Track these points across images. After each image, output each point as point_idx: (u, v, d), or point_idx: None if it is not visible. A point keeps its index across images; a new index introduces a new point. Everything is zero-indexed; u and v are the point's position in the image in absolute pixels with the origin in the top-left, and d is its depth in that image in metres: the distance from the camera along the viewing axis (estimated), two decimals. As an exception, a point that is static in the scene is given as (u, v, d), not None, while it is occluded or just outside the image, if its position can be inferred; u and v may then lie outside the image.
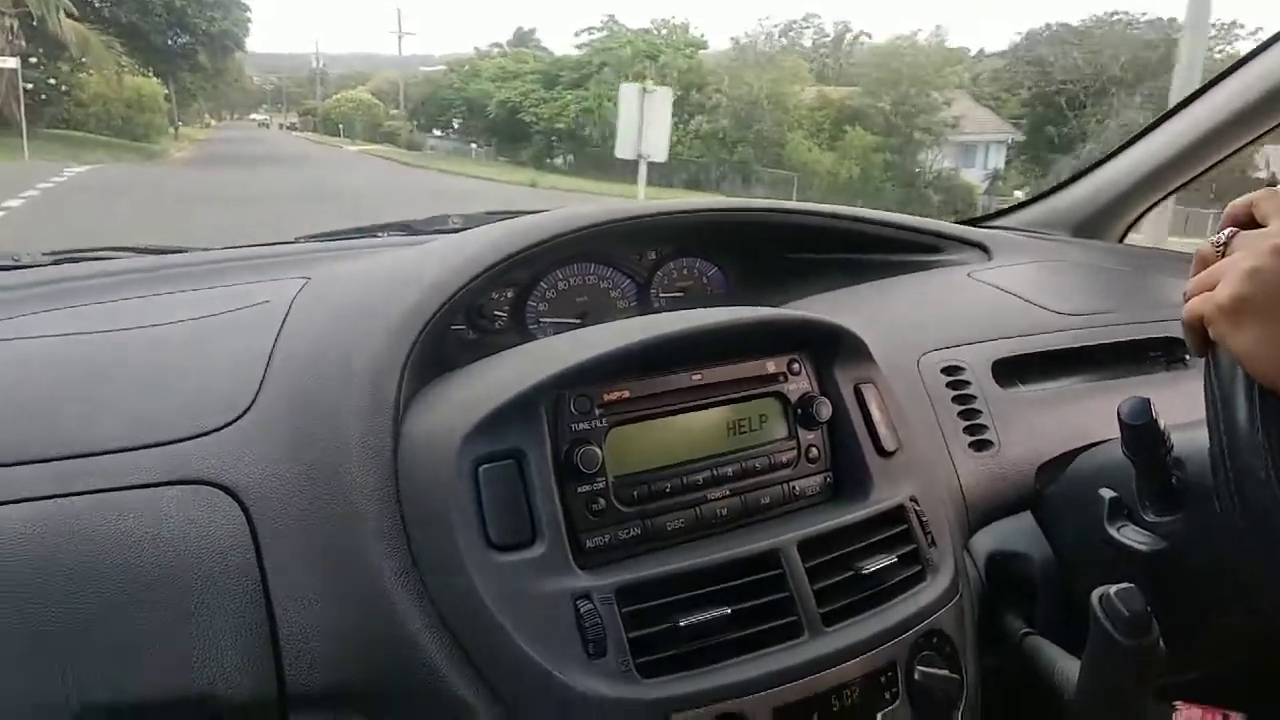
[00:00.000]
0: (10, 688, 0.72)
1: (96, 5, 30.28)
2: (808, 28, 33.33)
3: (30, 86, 24.02)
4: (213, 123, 70.22)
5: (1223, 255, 0.74)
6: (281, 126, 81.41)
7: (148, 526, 0.78)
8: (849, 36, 37.20)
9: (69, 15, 22.69)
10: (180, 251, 1.29)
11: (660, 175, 26.59)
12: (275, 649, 0.77)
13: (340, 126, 57.30)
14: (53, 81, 26.11)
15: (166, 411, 0.86)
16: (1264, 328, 0.69)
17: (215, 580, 0.77)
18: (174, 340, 0.99)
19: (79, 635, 0.74)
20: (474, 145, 40.26)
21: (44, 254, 1.26)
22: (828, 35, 35.89)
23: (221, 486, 0.81)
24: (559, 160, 34.85)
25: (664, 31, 33.59)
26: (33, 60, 24.64)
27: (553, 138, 34.62)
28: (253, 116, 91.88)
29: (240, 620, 0.77)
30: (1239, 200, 0.77)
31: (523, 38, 43.43)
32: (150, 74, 32.00)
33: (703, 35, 34.95)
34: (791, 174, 26.72)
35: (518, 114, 34.40)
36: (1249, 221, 0.76)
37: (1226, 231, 0.76)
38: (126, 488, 0.80)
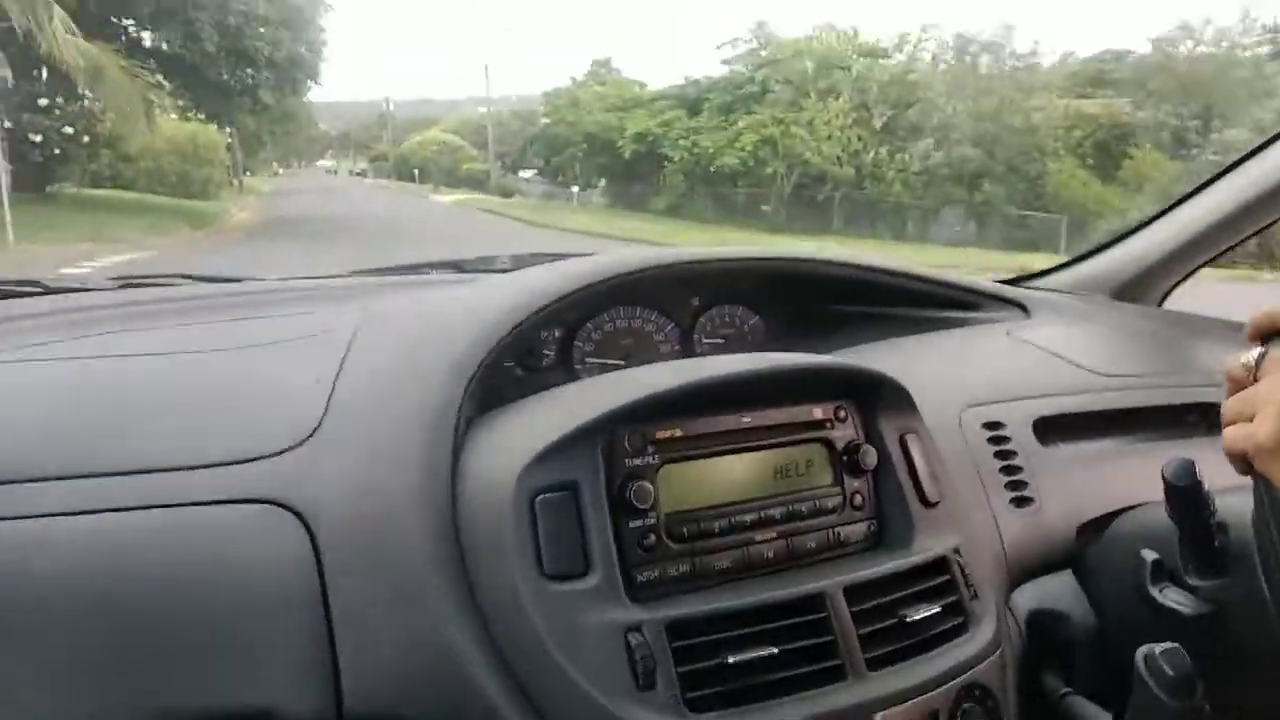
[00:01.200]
0: (68, 701, 0.74)
1: (121, 24, 22.21)
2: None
3: (39, 138, 18.62)
4: (280, 171, 67.39)
5: (1255, 377, 0.74)
6: (351, 173, 77.92)
7: (214, 543, 0.81)
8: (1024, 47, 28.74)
9: (71, 31, 14.41)
10: (238, 280, 1.34)
11: (861, 223, 21.89)
12: (335, 671, 0.79)
13: (416, 172, 52.28)
14: (69, 130, 19.29)
15: (234, 431, 0.89)
16: None
17: (279, 599, 0.80)
18: (239, 363, 1.02)
19: (143, 646, 0.76)
20: (575, 188, 33.63)
21: (109, 279, 1.32)
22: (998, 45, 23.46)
23: (288, 507, 0.83)
24: (764, 208, 24.38)
25: (834, 39, 25.32)
26: (42, 102, 18.66)
27: (696, 177, 25.92)
28: (319, 163, 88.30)
29: (302, 640, 0.79)
30: (1263, 313, 0.76)
31: (599, 69, 36.38)
32: (202, 116, 25.25)
33: (879, 42, 25.24)
34: (1057, 216, 19.34)
35: (659, 148, 26.50)
36: (1275, 333, 0.75)
37: (1256, 352, 0.76)
38: (195, 504, 0.82)
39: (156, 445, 0.87)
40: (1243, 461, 0.74)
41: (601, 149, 29.95)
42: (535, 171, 42.00)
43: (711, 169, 25.20)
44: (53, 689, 0.74)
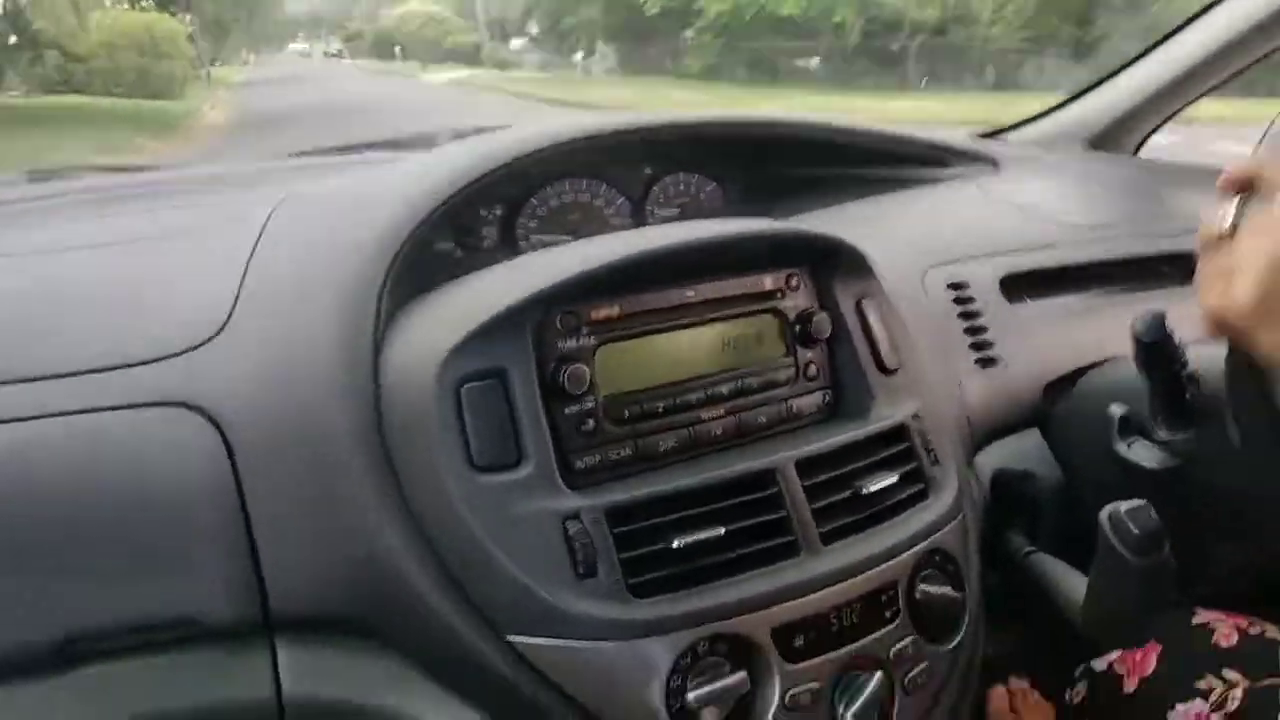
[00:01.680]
0: None
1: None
2: None
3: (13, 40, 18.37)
4: (252, 59, 60.57)
5: (1231, 235, 0.67)
6: (326, 54, 71.20)
7: (122, 449, 0.77)
8: None
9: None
10: (157, 169, 1.28)
11: (944, 78, 16.87)
12: (257, 573, 0.76)
13: (398, 49, 47.83)
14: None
15: (139, 331, 0.84)
16: None
17: (194, 503, 0.76)
18: (145, 258, 0.96)
19: (59, 558, 0.73)
20: (578, 55, 29.79)
21: (25, 172, 1.25)
22: None
23: (196, 407, 0.79)
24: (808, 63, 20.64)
25: None
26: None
27: (734, 32, 21.26)
28: (292, 47, 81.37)
29: (220, 544, 0.76)
30: (1237, 166, 0.69)
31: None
32: (150, 2, 23.60)
33: None
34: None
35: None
36: (1251, 190, 0.68)
37: (1232, 209, 0.68)
38: (98, 409, 0.78)
39: (59, 349, 0.82)
40: (1219, 325, 0.68)
41: (621, 4, 26.04)
42: (526, 39, 39.22)
43: (751, 20, 20.99)
44: None
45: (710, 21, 22.48)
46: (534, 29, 37.88)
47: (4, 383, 0.78)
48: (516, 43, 40.23)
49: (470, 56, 41.72)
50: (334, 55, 69.57)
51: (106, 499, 0.75)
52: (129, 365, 0.81)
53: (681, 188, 1.33)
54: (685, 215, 1.32)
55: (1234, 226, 0.68)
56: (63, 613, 0.73)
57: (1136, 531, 0.78)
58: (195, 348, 0.82)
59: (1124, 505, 0.79)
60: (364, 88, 29.88)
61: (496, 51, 39.27)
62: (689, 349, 0.87)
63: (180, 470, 0.77)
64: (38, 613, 0.72)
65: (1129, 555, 0.78)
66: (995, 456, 1.07)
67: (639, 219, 1.29)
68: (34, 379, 0.79)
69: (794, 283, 0.92)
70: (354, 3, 71.58)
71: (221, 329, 0.84)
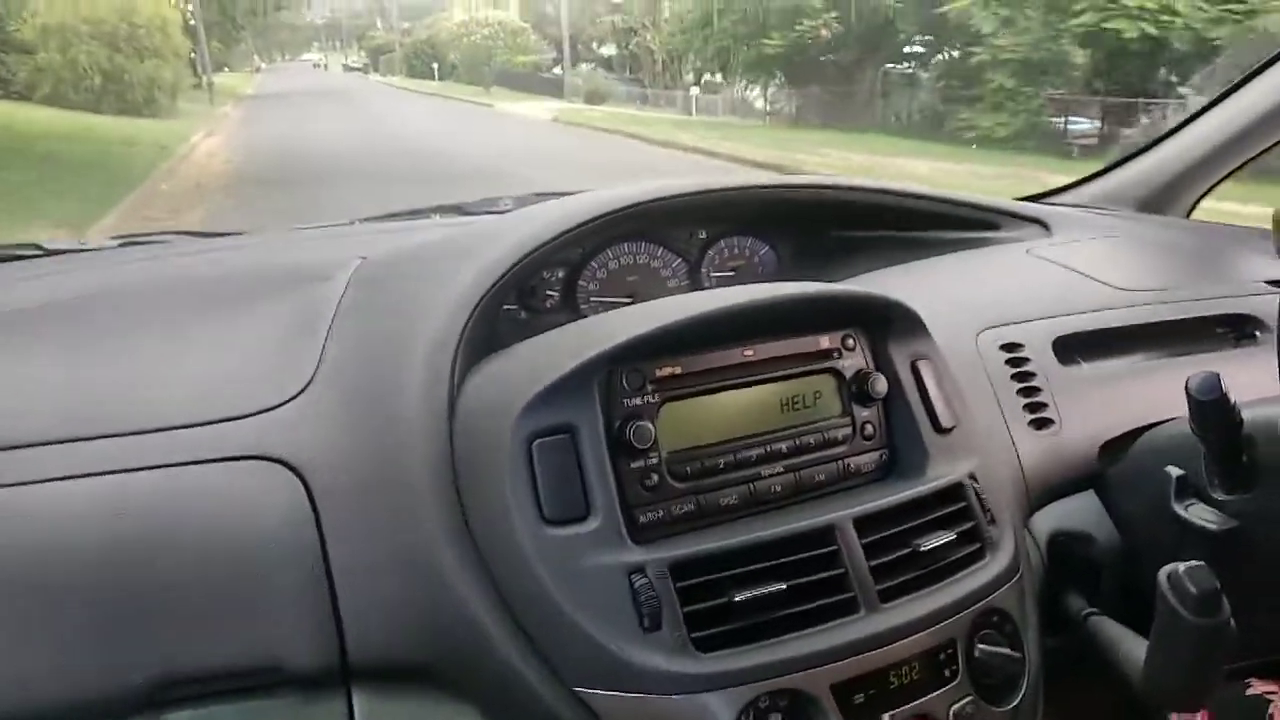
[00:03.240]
0: (80, 660, 0.74)
1: None
2: None
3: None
4: (263, 66, 54.66)
5: None
6: (347, 68, 61.46)
7: (211, 501, 0.80)
8: None
9: None
10: (238, 234, 1.33)
11: None
12: (337, 621, 0.79)
13: (435, 67, 39.40)
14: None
15: (225, 390, 0.88)
16: None
17: (277, 554, 0.79)
18: (232, 320, 1.01)
19: (150, 605, 0.76)
20: (751, 94, 22.05)
21: (110, 238, 1.30)
22: None
23: (282, 461, 0.82)
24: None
25: None
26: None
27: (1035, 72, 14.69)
28: (305, 57, 74.96)
29: (302, 593, 0.79)
30: None
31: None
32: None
33: None
34: None
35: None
36: None
37: None
38: (189, 463, 0.82)
39: (152, 406, 0.86)
40: None
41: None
42: (593, 66, 31.71)
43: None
44: (55, 657, 0.74)
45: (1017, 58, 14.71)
46: (608, 49, 31.34)
47: (104, 437, 0.83)
48: (583, 67, 32.75)
49: (529, 81, 32.56)
50: (356, 69, 59.56)
51: (196, 549, 0.78)
52: (219, 421, 0.85)
53: (736, 250, 1.36)
54: (740, 277, 1.35)
55: None
56: (154, 658, 0.76)
57: (1195, 592, 0.78)
58: (281, 404, 0.87)
59: (1182, 565, 0.80)
60: (420, 119, 21.92)
61: (586, 79, 30.63)
62: (748, 407, 0.89)
63: (266, 522, 0.80)
64: (129, 658, 0.75)
65: (1188, 616, 0.78)
66: (1052, 518, 1.07)
67: (695, 281, 1.33)
68: (131, 433, 0.83)
69: (850, 343, 0.94)
70: (376, 15, 64.96)
71: (306, 386, 0.89)
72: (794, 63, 20.65)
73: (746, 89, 24.06)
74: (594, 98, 28.13)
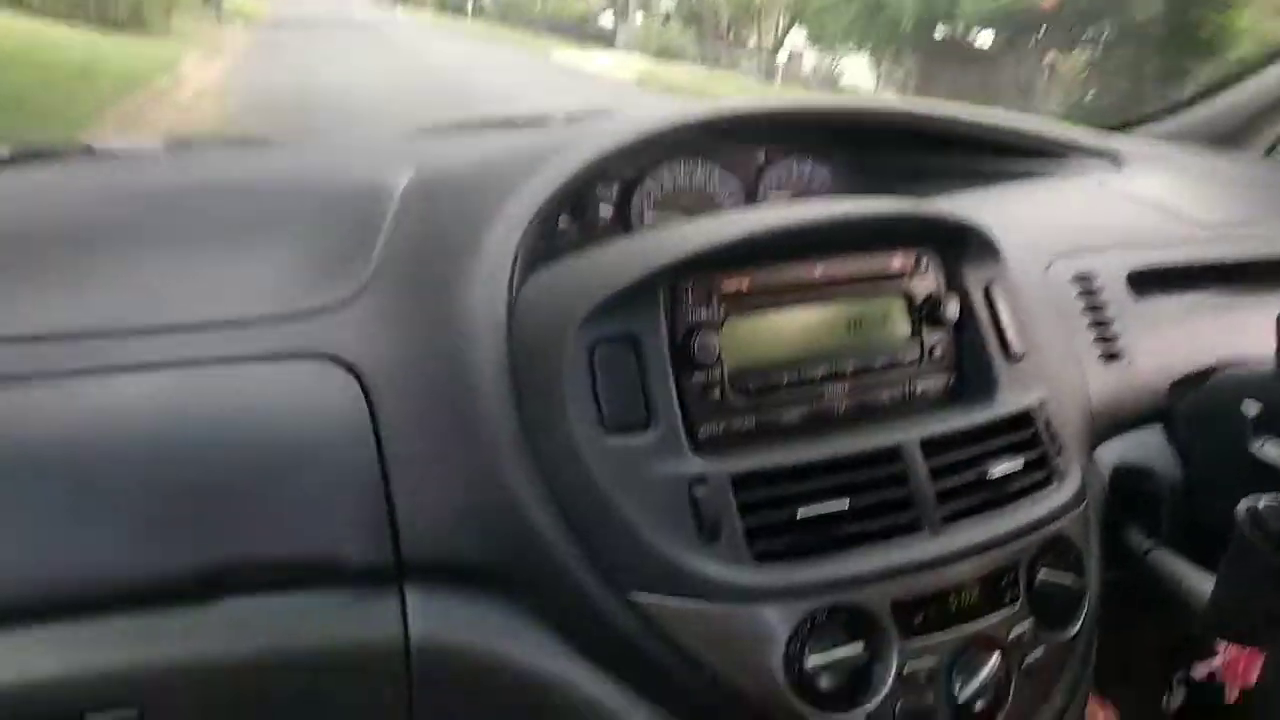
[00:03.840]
0: (136, 545, 0.75)
1: None
2: None
3: None
4: None
5: None
6: None
7: (267, 397, 0.80)
8: None
9: None
10: (293, 143, 1.33)
11: None
12: (391, 518, 0.79)
13: (472, 4, 36.67)
14: None
15: (283, 288, 0.88)
16: None
17: (333, 450, 0.79)
18: (291, 219, 1.00)
19: (206, 495, 0.76)
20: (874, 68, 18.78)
21: (162, 142, 1.30)
22: None
23: (338, 360, 0.82)
24: None
25: None
26: None
27: None
28: None
29: (356, 489, 0.79)
30: None
31: None
32: None
33: None
34: None
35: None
36: None
37: None
38: (246, 359, 0.82)
39: (208, 303, 0.86)
40: None
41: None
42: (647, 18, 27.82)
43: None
44: (115, 544, 0.75)
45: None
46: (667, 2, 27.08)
47: (161, 330, 0.83)
48: (638, 17, 29.09)
49: (576, 31, 29.09)
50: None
51: (251, 443, 0.79)
52: (275, 318, 0.85)
53: (795, 173, 1.32)
54: (797, 200, 1.32)
55: None
56: (209, 547, 0.76)
57: (1275, 527, 0.76)
58: (338, 305, 0.86)
59: (1262, 500, 0.78)
60: (459, 63, 18.30)
61: (633, 29, 27.04)
62: (814, 326, 0.87)
63: (321, 419, 0.80)
64: (185, 544, 0.76)
65: (1271, 551, 0.77)
66: (1117, 451, 1.05)
67: (751, 203, 1.29)
68: (188, 327, 0.83)
69: (923, 264, 0.92)
70: None
71: (365, 287, 0.88)
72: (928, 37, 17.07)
73: (839, 59, 20.91)
74: (664, 55, 23.90)
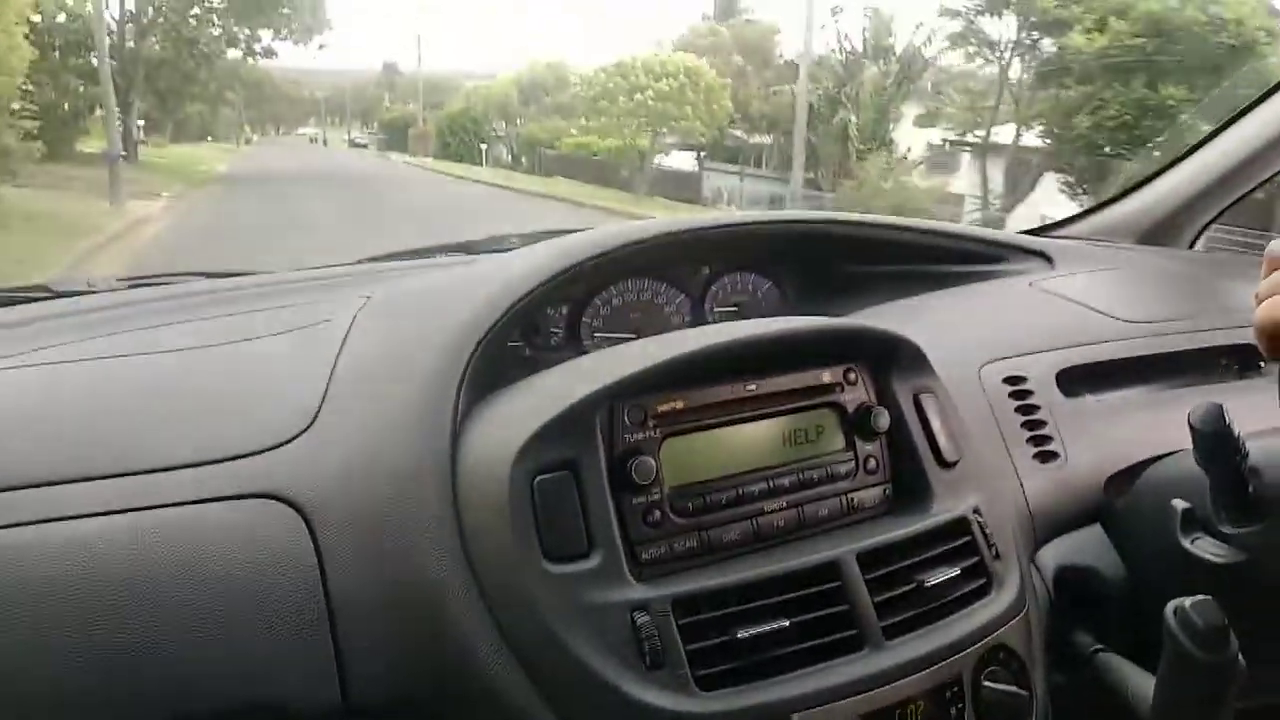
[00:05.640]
0: (87, 701, 0.74)
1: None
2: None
3: None
4: (254, 138, 52.22)
5: None
6: (351, 143, 55.20)
7: (214, 541, 0.80)
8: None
9: None
10: (247, 275, 1.34)
11: None
12: (339, 660, 0.78)
13: (484, 148, 30.82)
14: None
15: (232, 428, 0.89)
16: None
17: (280, 594, 0.79)
18: (239, 358, 1.02)
19: (151, 648, 0.75)
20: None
21: (118, 280, 1.32)
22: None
23: (285, 500, 0.83)
24: None
25: None
26: None
27: None
28: (302, 131, 70.01)
29: (304, 633, 0.78)
30: None
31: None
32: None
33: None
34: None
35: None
36: None
37: None
38: (193, 502, 0.82)
39: (160, 445, 0.87)
40: (1273, 339, 0.70)
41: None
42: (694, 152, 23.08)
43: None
44: (66, 695, 0.74)
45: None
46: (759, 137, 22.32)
47: (100, 478, 0.83)
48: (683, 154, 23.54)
49: (672, 182, 22.58)
50: (361, 145, 52.14)
51: (200, 588, 0.78)
52: (223, 460, 0.85)
53: (739, 286, 1.36)
54: (743, 313, 1.36)
55: None
56: (158, 699, 0.75)
57: (1202, 627, 0.77)
58: (285, 442, 0.87)
59: (1189, 600, 0.79)
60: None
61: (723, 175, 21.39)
62: (751, 442, 0.89)
63: (269, 560, 0.80)
64: (137, 697, 0.75)
65: (1196, 652, 0.77)
66: (1058, 552, 1.06)
67: (698, 317, 1.33)
68: (129, 474, 0.83)
69: (852, 377, 0.95)
70: (385, 89, 58.81)
71: (310, 424, 0.89)
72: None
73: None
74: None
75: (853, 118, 19.30)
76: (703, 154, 24.22)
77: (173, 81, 21.56)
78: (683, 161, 25.08)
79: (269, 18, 23.41)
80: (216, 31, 22.84)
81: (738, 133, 24.66)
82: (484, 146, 31.39)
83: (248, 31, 23.88)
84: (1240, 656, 0.78)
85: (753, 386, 0.89)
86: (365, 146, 51.34)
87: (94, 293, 1.24)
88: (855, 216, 1.40)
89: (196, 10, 22.11)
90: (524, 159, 30.57)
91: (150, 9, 21.46)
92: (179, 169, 20.61)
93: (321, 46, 26.86)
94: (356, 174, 25.30)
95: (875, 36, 20.32)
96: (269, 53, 24.98)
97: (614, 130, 23.15)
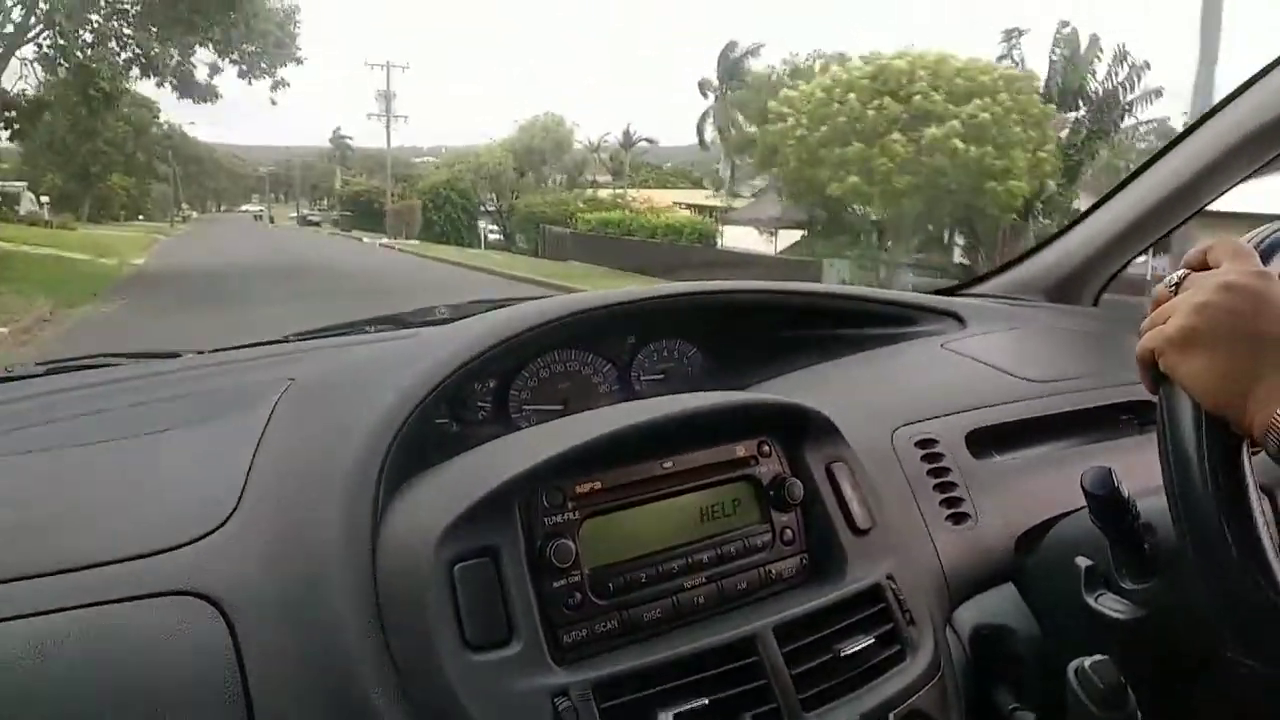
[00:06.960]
0: None
1: None
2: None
3: None
4: (192, 215, 51.19)
5: (1176, 294, 0.78)
6: (304, 221, 52.29)
7: (132, 640, 0.79)
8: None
9: None
10: (173, 356, 1.32)
11: None
12: None
13: (483, 226, 28.25)
14: None
15: (150, 523, 0.87)
16: (1210, 357, 0.73)
17: (199, 692, 0.78)
18: (159, 451, 1.01)
19: None
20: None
21: (37, 364, 1.29)
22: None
23: (202, 596, 0.82)
24: None
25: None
26: None
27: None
28: (245, 207, 67.41)
29: None
30: (1195, 248, 0.80)
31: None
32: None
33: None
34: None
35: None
36: (1202, 266, 0.79)
37: (1180, 273, 0.79)
38: (109, 602, 0.80)
39: (74, 543, 0.85)
40: (1152, 368, 0.78)
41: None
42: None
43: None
44: None
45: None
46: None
47: (12, 580, 0.81)
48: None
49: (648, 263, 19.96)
50: (314, 223, 48.47)
51: (120, 690, 0.77)
52: (140, 556, 0.84)
53: (665, 354, 1.39)
54: (669, 379, 1.39)
55: (1177, 287, 0.78)
56: None
57: (1100, 686, 0.81)
58: (203, 536, 0.86)
59: (1088, 660, 0.82)
60: None
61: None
62: (669, 518, 0.91)
63: (188, 659, 0.79)
64: None
65: (1096, 710, 0.81)
66: (973, 613, 1.08)
67: (625, 385, 1.35)
68: (50, 574, 0.82)
69: (766, 450, 0.97)
70: (337, 164, 53.88)
71: (229, 517, 0.88)
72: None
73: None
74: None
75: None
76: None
77: (58, 130, 15.78)
78: (741, 237, 19.11)
79: (209, 27, 16.91)
80: (125, 56, 16.84)
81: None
82: (483, 225, 27.62)
83: (175, 55, 17.81)
84: (1139, 714, 0.81)
85: (669, 464, 0.91)
86: (318, 224, 47.41)
87: (13, 379, 1.22)
88: (772, 285, 1.45)
89: (94, 20, 15.17)
90: (518, 237, 26.78)
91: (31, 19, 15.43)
92: (69, 267, 15.62)
93: (276, 87, 20.24)
94: (324, 267, 18.96)
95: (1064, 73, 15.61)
96: (210, 92, 18.79)
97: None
